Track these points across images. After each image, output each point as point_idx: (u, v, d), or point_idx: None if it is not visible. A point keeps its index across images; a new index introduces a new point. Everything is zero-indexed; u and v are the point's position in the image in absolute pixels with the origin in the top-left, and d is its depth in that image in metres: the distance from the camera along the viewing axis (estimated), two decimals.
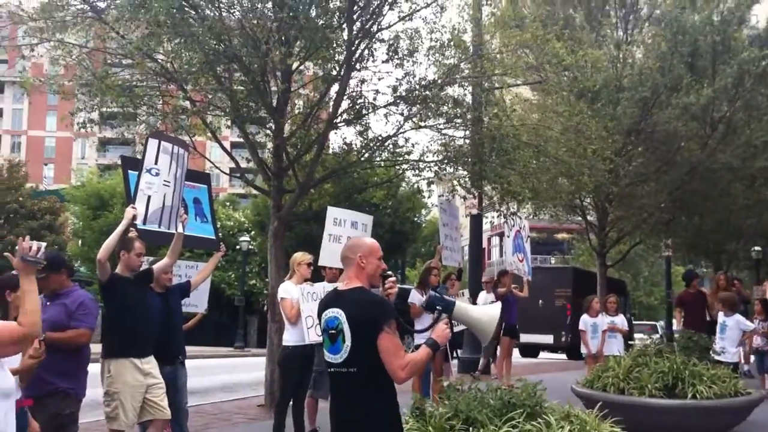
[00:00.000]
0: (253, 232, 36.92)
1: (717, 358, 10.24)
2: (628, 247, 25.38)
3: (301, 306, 8.01)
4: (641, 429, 6.39)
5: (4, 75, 62.61)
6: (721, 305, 12.09)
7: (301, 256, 8.49)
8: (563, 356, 26.32)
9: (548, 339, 25.90)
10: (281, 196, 12.07)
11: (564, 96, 15.64)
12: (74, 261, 36.90)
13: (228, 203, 45.26)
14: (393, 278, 4.02)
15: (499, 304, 4.08)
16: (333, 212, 9.30)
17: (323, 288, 8.32)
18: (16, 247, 3.50)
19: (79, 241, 41.01)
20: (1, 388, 3.28)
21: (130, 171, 7.56)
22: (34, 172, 58.21)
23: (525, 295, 13.48)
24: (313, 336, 7.97)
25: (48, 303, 5.55)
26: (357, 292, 3.81)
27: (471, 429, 5.01)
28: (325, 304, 3.92)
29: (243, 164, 13.82)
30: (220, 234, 9.59)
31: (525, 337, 24.54)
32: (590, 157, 14.60)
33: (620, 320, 12.57)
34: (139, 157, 8.13)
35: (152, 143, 6.96)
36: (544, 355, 27.64)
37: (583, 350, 12.23)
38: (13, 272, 5.21)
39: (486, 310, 4.00)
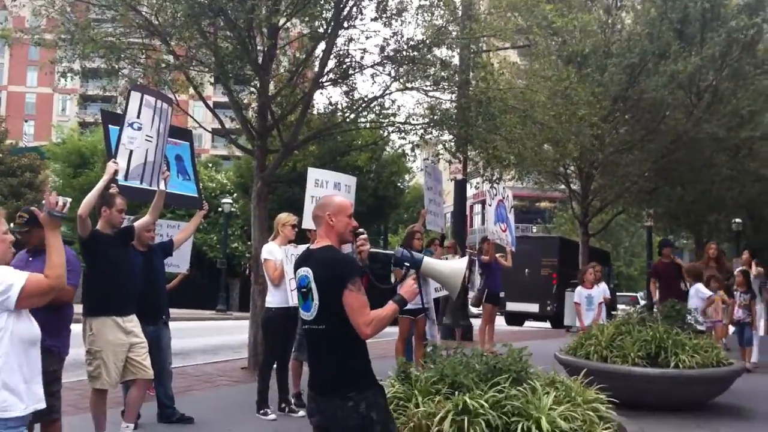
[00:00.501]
0: (235, 195, 36.62)
1: (699, 327, 10.27)
2: (610, 216, 25.47)
3: (285, 268, 7.90)
4: (624, 397, 6.37)
5: None
6: (686, 275, 12.32)
7: (285, 217, 8.38)
8: (548, 325, 26.55)
9: (534, 308, 26.11)
10: (265, 157, 11.91)
11: (552, 60, 15.53)
12: None
13: (210, 164, 44.82)
14: (364, 235, 3.98)
15: (466, 258, 4.08)
16: (314, 173, 9.14)
17: None
18: (42, 202, 3.61)
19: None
20: (30, 336, 3.49)
21: (110, 126, 7.36)
22: (14, 129, 57.44)
23: (508, 264, 13.38)
24: (297, 298, 7.87)
25: (30, 259, 5.40)
26: (324, 251, 3.83)
27: (457, 393, 4.97)
28: (298, 263, 3.96)
29: (227, 124, 13.61)
30: (202, 193, 9.43)
31: (511, 306, 25.40)
32: (577, 123, 14.52)
33: (600, 290, 12.52)
34: (120, 112, 7.92)
35: (135, 96, 6.73)
36: (529, 324, 27.86)
37: (569, 322, 12.20)
38: None
39: (453, 264, 4.05)
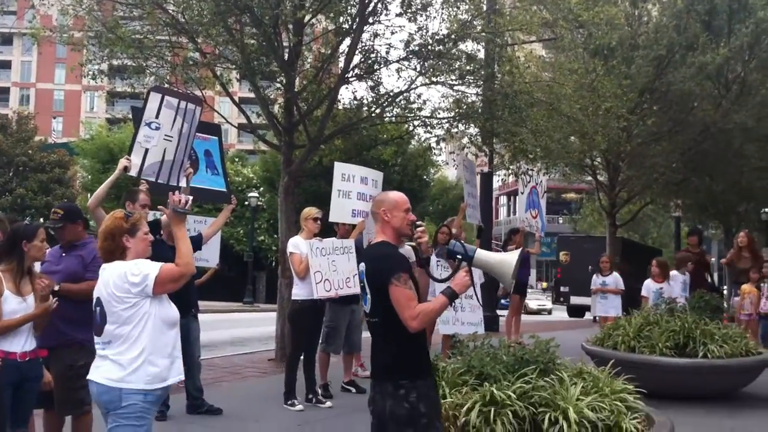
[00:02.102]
0: (261, 189, 36.86)
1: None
2: (638, 207, 25.28)
3: (310, 261, 7.98)
4: (652, 387, 6.37)
5: (13, 26, 62.23)
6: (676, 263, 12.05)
7: (308, 211, 8.45)
8: None
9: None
10: (291, 152, 12.00)
11: (578, 53, 15.45)
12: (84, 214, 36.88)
13: (237, 159, 45.10)
14: (422, 228, 4.00)
15: (518, 251, 4.08)
16: (340, 168, 9.17)
17: (332, 244, 8.30)
18: (168, 201, 4.08)
19: (89, 195, 40.99)
20: (170, 318, 4.00)
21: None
22: (43, 125, 58.19)
23: (536, 251, 13.42)
24: (321, 291, 7.96)
25: (64, 254, 5.51)
26: (376, 247, 3.92)
27: (484, 384, 5.01)
28: (360, 258, 4.08)
29: (253, 119, 13.72)
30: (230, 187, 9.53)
31: (575, 299, 28.81)
32: (604, 115, 14.45)
33: (612, 280, 12.49)
34: None
35: (154, 97, 6.83)
36: (589, 315, 28.46)
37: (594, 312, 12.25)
38: (26, 222, 5.17)
39: (505, 256, 4.02)
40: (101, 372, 3.89)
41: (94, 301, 3.95)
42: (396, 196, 4.01)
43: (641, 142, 19.58)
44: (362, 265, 3.91)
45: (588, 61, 15.72)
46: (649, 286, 11.50)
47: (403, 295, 3.67)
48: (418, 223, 4.00)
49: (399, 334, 3.72)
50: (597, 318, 13.85)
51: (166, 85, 11.90)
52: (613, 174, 20.91)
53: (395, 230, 3.92)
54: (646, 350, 8.49)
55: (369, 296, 3.84)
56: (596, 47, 15.91)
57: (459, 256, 3.89)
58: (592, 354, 8.83)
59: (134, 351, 3.83)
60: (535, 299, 39.71)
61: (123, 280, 3.83)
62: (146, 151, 6.68)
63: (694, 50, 17.82)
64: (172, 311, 4.04)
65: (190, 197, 4.10)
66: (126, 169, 6.52)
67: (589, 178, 22.37)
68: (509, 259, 3.92)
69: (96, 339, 3.98)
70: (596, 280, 12.61)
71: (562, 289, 30.96)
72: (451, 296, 3.76)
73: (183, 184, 6.96)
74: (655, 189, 22.42)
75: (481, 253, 3.94)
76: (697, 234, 13.98)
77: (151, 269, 3.87)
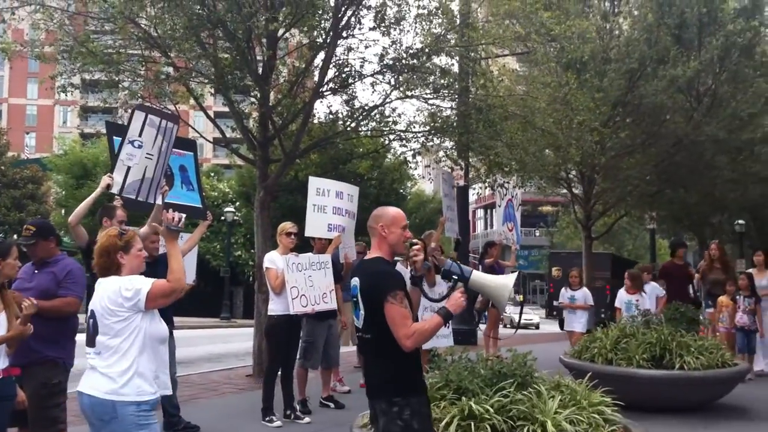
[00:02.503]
0: (237, 203, 36.70)
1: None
2: (613, 219, 25.49)
3: (286, 276, 7.94)
4: (630, 399, 6.40)
5: None
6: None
7: (282, 226, 8.44)
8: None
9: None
10: (267, 166, 11.96)
11: (551, 67, 15.55)
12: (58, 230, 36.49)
13: (212, 174, 44.87)
14: (418, 245, 3.99)
15: (515, 274, 4.09)
16: (315, 182, 9.13)
17: (308, 259, 8.26)
18: (162, 219, 4.36)
19: (63, 211, 40.51)
20: (159, 334, 4.11)
21: (114, 137, 7.40)
22: (15, 141, 57.54)
23: (512, 264, 13.46)
24: (298, 306, 7.92)
25: (36, 271, 5.44)
26: (371, 263, 3.91)
27: (462, 398, 4.99)
28: (351, 273, 4.12)
29: (228, 134, 13.65)
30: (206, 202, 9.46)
31: None
32: (577, 128, 14.55)
33: (581, 295, 12.36)
34: (122, 123, 7.99)
35: (138, 116, 6.85)
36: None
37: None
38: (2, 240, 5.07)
39: (501, 279, 4.02)
40: (92, 383, 4.00)
41: (88, 313, 4.09)
42: (394, 212, 3.99)
43: (615, 155, 19.75)
44: (355, 279, 3.88)
45: (561, 74, 15.84)
46: (622, 298, 11.58)
47: (399, 313, 3.65)
48: (414, 241, 4.00)
49: (392, 351, 3.69)
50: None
51: (139, 100, 11.83)
52: (588, 187, 21.07)
53: (391, 246, 3.91)
54: (623, 362, 8.51)
55: (362, 312, 3.81)
56: (569, 61, 16.04)
57: (455, 277, 3.88)
58: (570, 367, 8.84)
59: (124, 364, 3.94)
60: (523, 313, 39.74)
61: (117, 294, 3.97)
62: (128, 168, 6.71)
63: (665, 63, 18.03)
64: (162, 327, 4.17)
65: (183, 215, 4.27)
66: (108, 186, 6.54)
67: (565, 190, 22.52)
68: (507, 283, 3.92)
69: (87, 349, 4.09)
70: (564, 294, 12.45)
71: (554, 303, 31.28)
72: (446, 316, 3.75)
73: (159, 201, 6.92)
74: (630, 201, 22.61)
75: (478, 275, 3.95)
76: (684, 246, 13.96)
77: (143, 285, 4.01)
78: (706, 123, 18.94)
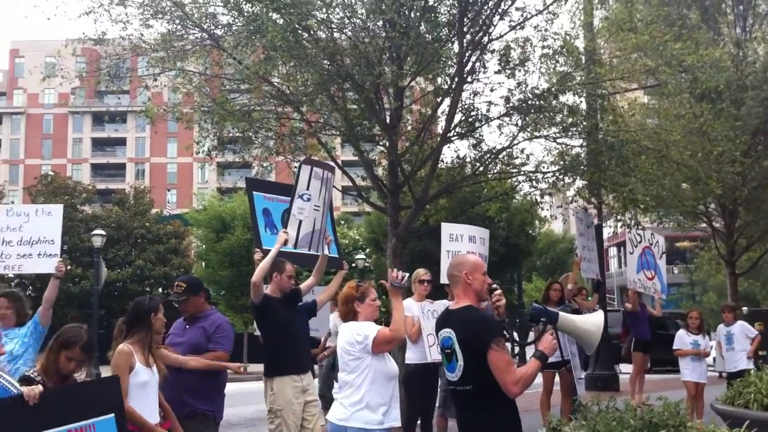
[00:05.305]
0: (368, 250, 37.15)
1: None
2: (758, 254, 24.10)
3: (422, 324, 7.93)
4: None
5: (126, 105, 65.57)
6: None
7: (416, 274, 8.41)
8: None
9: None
10: (398, 213, 12.05)
11: (684, 98, 15.03)
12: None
13: (342, 221, 45.73)
14: (499, 291, 4.01)
15: (601, 312, 4.01)
16: (448, 228, 9.14)
17: (444, 306, 8.20)
18: (388, 276, 4.90)
19: (203, 263, 42.25)
20: (388, 372, 4.80)
21: (254, 192, 7.68)
22: (158, 198, 60.67)
23: (658, 312, 12.68)
24: (435, 354, 7.87)
25: (187, 326, 5.66)
26: (465, 312, 3.86)
27: None
28: (439, 324, 4.02)
29: (357, 182, 13.89)
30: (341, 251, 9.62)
31: None
32: (716, 160, 13.93)
33: (704, 342, 11.00)
34: (259, 178, 8.24)
35: (305, 169, 7.04)
36: None
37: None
38: (148, 296, 5.35)
39: (590, 319, 3.98)
40: (332, 413, 4.81)
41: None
42: (475, 259, 4.05)
43: (757, 185, 18.75)
44: (448, 331, 3.85)
45: (695, 105, 15.28)
46: (683, 338, 10.85)
47: (503, 360, 3.63)
48: (494, 286, 3.99)
49: (493, 401, 3.66)
50: (725, 373, 13.00)
51: (273, 154, 12.27)
52: (730, 220, 20.08)
53: (477, 293, 3.90)
54: None
55: (460, 363, 3.76)
56: (702, 91, 15.45)
57: (543, 319, 3.90)
58: (723, 414, 8.32)
59: (356, 396, 4.65)
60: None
61: (351, 337, 4.74)
62: (300, 222, 6.86)
63: None
64: (392, 366, 4.85)
65: (407, 274, 4.86)
66: (286, 242, 6.64)
67: (704, 225, 21.55)
68: (593, 323, 3.85)
69: (335, 385, 4.97)
70: (686, 339, 10.93)
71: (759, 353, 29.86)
72: (541, 358, 3.74)
73: (326, 251, 7.10)
74: None
75: (565, 317, 3.94)
76: None
77: (371, 331, 4.72)
78: None
